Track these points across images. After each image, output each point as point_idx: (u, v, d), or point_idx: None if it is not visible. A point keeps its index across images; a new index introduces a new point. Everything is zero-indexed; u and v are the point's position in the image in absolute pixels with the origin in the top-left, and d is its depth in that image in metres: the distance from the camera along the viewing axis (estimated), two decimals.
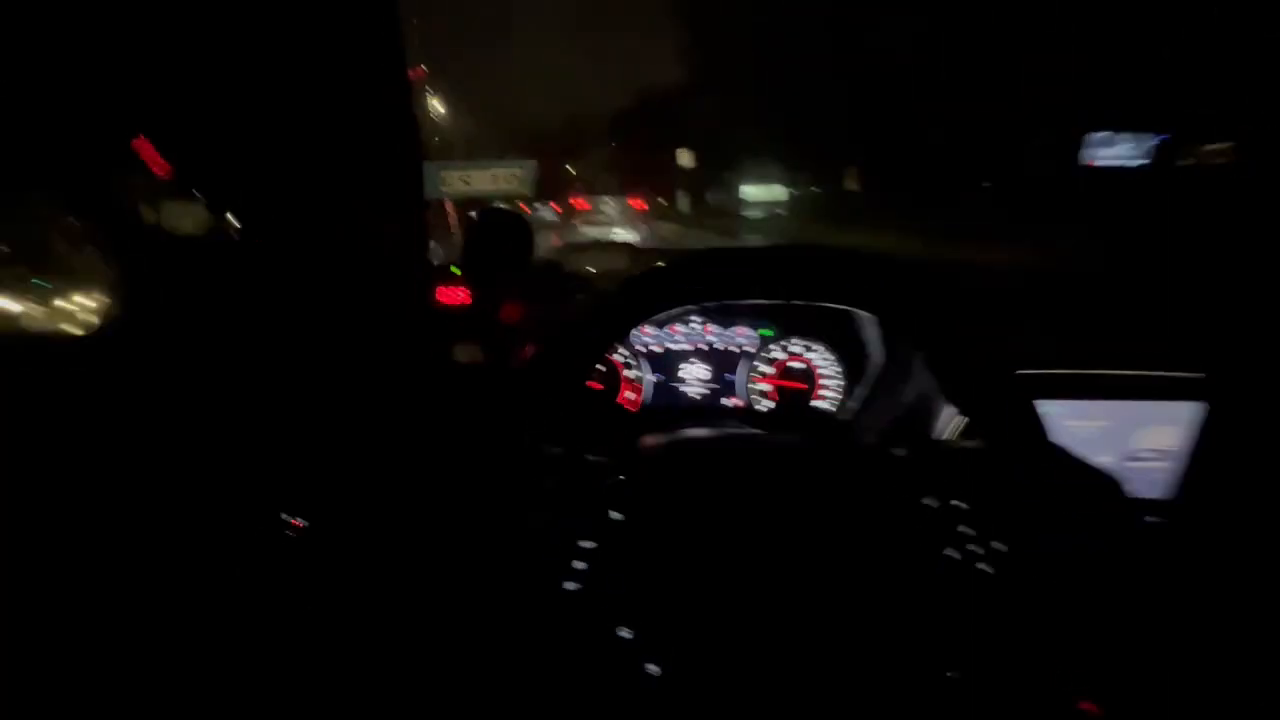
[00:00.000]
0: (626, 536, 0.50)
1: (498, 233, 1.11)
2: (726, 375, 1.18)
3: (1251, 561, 0.85)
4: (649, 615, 0.47)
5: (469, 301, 1.15)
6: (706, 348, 1.18)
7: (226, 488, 0.76)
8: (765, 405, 1.17)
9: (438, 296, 1.18)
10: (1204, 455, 0.93)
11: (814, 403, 1.15)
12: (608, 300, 0.55)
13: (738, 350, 1.17)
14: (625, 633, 0.46)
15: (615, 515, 0.51)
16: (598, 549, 0.50)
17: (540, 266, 1.31)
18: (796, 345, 1.16)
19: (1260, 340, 0.99)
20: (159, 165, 0.94)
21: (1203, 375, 0.93)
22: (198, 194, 0.97)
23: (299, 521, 0.69)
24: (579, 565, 0.49)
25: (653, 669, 0.45)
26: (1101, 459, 0.95)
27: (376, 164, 0.90)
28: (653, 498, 0.52)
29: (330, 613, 0.59)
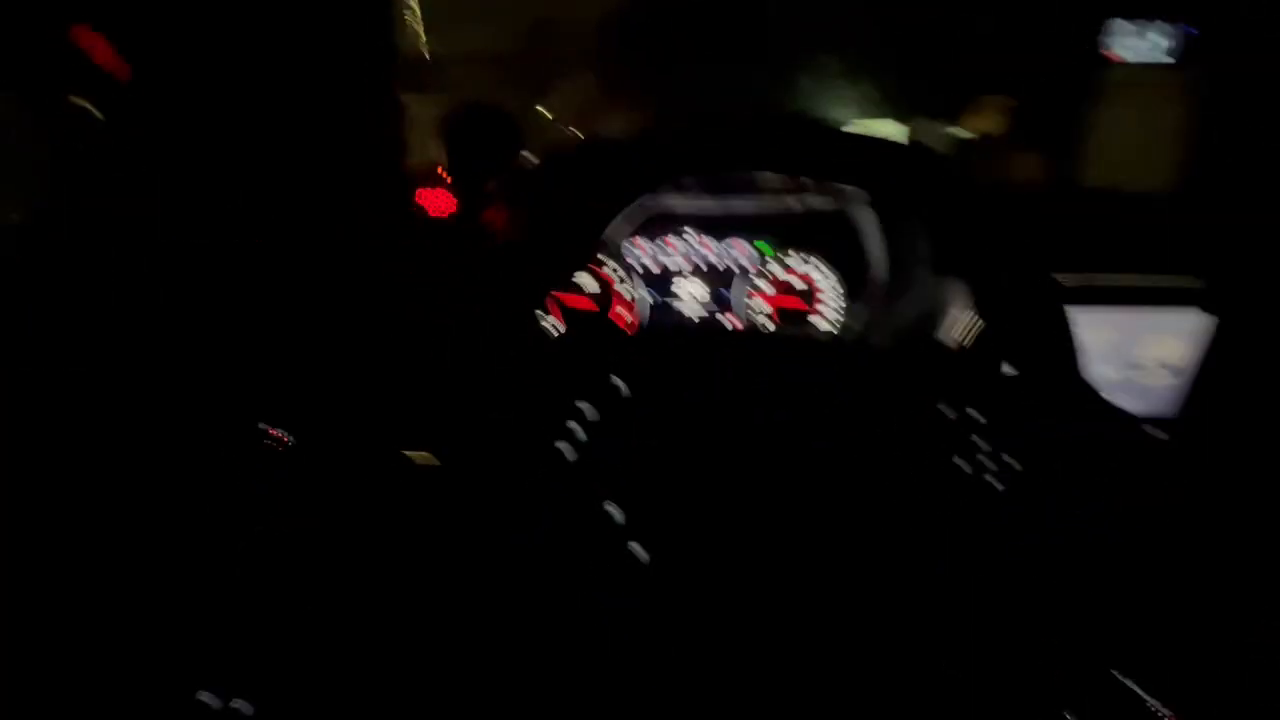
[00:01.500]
0: (627, 410, 0.49)
1: (477, 130, 1.03)
2: (723, 292, 1.15)
3: (1251, 479, 0.84)
4: (641, 496, 0.46)
5: (451, 208, 1.10)
6: (702, 264, 1.14)
7: (212, 389, 0.75)
8: (765, 323, 1.14)
9: (418, 201, 1.12)
10: (1204, 368, 0.91)
11: (815, 319, 1.13)
12: (590, 176, 0.51)
13: (734, 266, 1.13)
14: (614, 510, 0.45)
15: (619, 385, 0.49)
16: (599, 421, 0.48)
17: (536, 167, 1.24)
18: (795, 261, 1.12)
19: (1257, 248, 0.95)
20: (118, 67, 0.87)
21: (1200, 283, 0.90)
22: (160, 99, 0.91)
23: (283, 435, 0.69)
24: (579, 433, 0.47)
25: (639, 552, 0.44)
26: (1106, 371, 0.93)
27: (345, 62, 0.84)
28: (659, 376, 0.51)
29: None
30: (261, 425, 0.65)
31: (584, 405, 0.48)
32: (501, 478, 0.47)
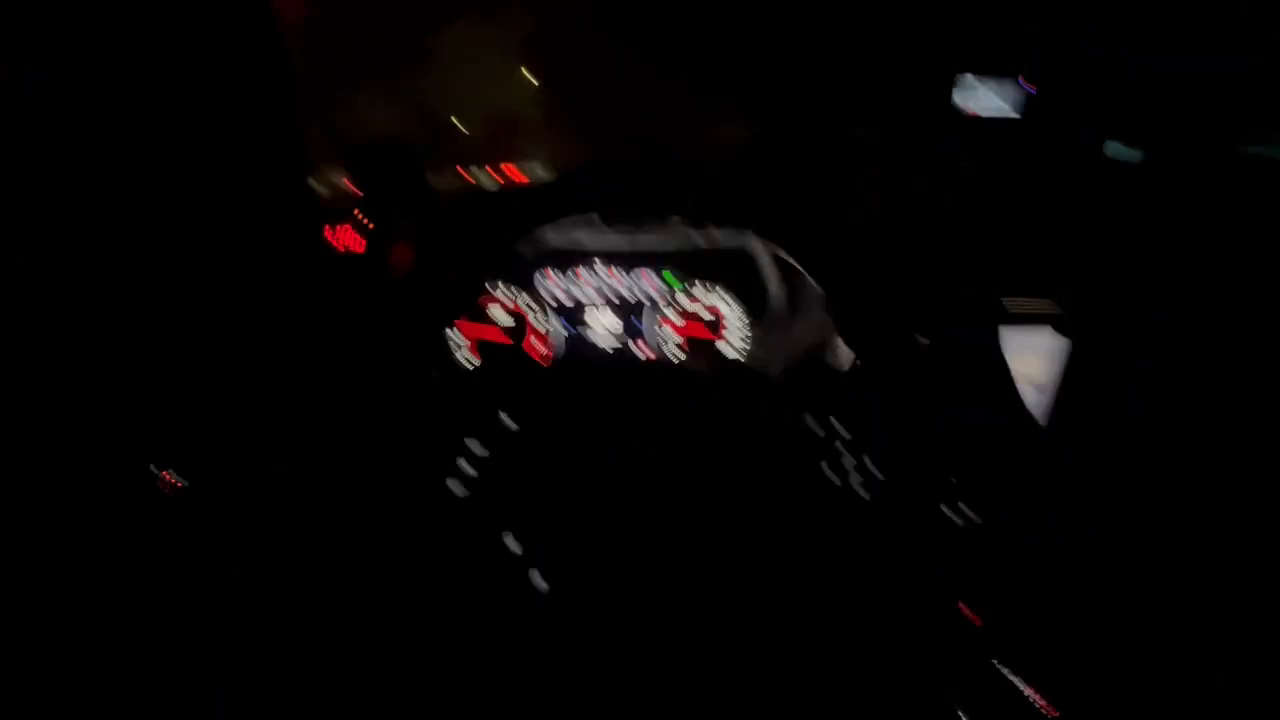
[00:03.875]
0: (518, 445, 0.50)
1: (384, 168, 1.02)
2: (634, 321, 1.18)
3: (1115, 489, 0.95)
4: (537, 527, 0.47)
5: (355, 244, 1.07)
6: (613, 295, 1.17)
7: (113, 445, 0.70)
8: (674, 353, 1.18)
9: (328, 239, 1.09)
10: (1067, 385, 1.03)
11: (719, 346, 1.18)
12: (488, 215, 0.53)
13: (644, 298, 1.17)
14: (512, 542, 0.46)
15: (509, 423, 0.50)
16: (489, 457, 0.49)
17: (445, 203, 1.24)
18: (700, 292, 1.17)
19: (1108, 269, 1.09)
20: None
21: (1051, 306, 1.01)
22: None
23: (174, 478, 0.65)
24: (468, 471, 0.48)
25: (539, 582, 0.45)
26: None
27: (247, 101, 0.82)
28: (549, 408, 0.52)
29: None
30: (153, 469, 0.61)
31: (472, 442, 0.49)
32: (393, 516, 0.47)
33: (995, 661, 0.45)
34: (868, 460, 0.52)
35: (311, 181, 1.06)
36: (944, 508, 0.52)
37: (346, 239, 1.04)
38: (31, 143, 0.77)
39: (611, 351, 1.18)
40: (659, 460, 0.51)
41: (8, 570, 0.62)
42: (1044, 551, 0.52)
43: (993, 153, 1.49)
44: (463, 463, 0.49)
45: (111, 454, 0.68)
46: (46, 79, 0.75)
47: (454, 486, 0.48)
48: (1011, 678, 0.44)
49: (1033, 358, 1.02)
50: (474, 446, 0.50)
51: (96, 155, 0.77)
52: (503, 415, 0.51)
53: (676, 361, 1.17)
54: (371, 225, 1.06)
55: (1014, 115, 1.56)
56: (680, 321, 1.17)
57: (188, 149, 0.78)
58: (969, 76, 1.51)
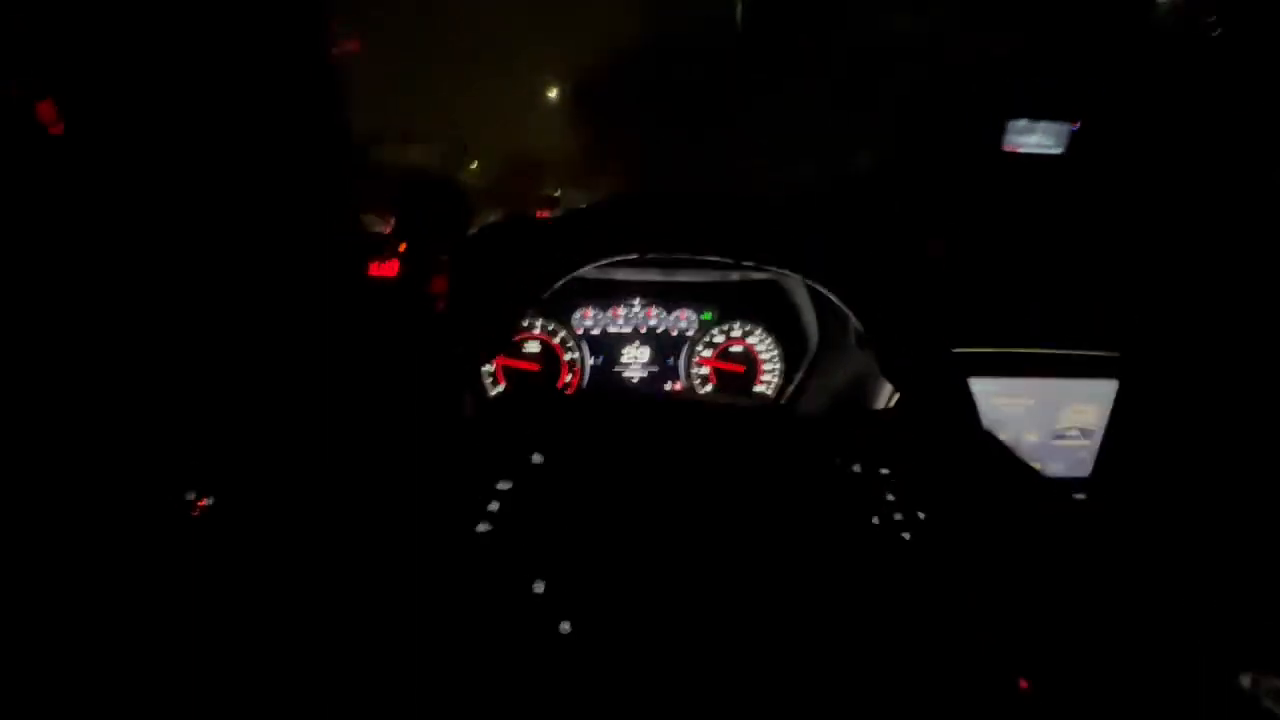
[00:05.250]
0: (547, 482, 0.48)
1: (429, 200, 1.05)
2: (668, 360, 1.17)
3: (1157, 536, 0.91)
4: (564, 569, 0.45)
5: (397, 275, 1.09)
6: (647, 331, 1.16)
7: (136, 467, 0.71)
8: (706, 389, 1.16)
9: (370, 271, 1.12)
10: (1116, 433, 0.99)
11: (754, 385, 1.16)
12: (526, 250, 0.52)
13: (678, 334, 1.16)
14: (538, 586, 0.44)
15: (537, 459, 0.49)
16: (515, 491, 0.47)
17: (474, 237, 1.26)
18: (736, 329, 1.16)
19: (1169, 320, 1.05)
20: (54, 124, 0.85)
21: (1117, 354, 0.98)
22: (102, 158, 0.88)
23: (204, 500, 0.65)
24: (493, 507, 0.46)
25: (565, 627, 0.43)
26: (1028, 437, 0.99)
27: (303, 140, 0.85)
28: (578, 445, 0.50)
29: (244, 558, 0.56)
30: (189, 496, 0.62)
31: (503, 484, 0.48)
32: (422, 563, 0.46)
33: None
34: (909, 500, 0.50)
35: (355, 212, 1.09)
36: (990, 550, 0.49)
37: (387, 270, 1.06)
38: (90, 172, 0.80)
39: (644, 387, 1.17)
40: (692, 500, 0.49)
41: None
42: (1089, 601, 0.49)
43: (1038, 190, 1.47)
44: (490, 500, 0.47)
45: (148, 485, 0.69)
46: (116, 109, 0.79)
47: (481, 523, 0.46)
48: None
49: (1091, 408, 0.98)
50: (502, 483, 0.48)
51: (147, 179, 0.80)
52: (531, 452, 0.49)
53: (711, 398, 1.15)
54: (412, 256, 1.08)
55: (1058, 152, 1.54)
56: (713, 357, 1.16)
57: (236, 178, 0.81)
58: (1019, 119, 1.50)
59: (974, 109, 1.43)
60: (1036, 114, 1.56)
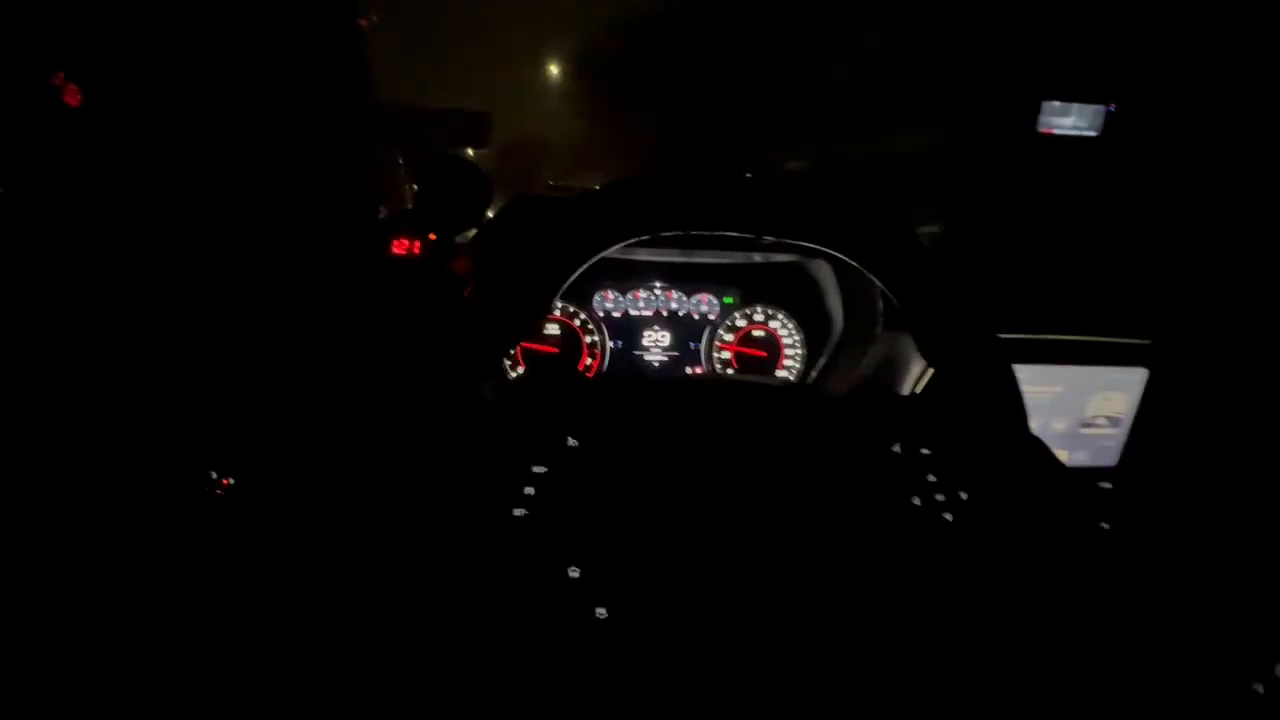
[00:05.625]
0: (581, 466, 0.48)
1: (450, 180, 1.05)
2: (690, 343, 1.16)
3: (1185, 525, 0.89)
4: (599, 553, 0.45)
5: (420, 253, 1.09)
6: (668, 314, 1.15)
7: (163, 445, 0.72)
8: (727, 372, 1.16)
9: (392, 248, 1.12)
10: (1145, 421, 0.96)
11: (776, 370, 1.15)
12: (553, 232, 0.51)
13: (699, 317, 1.15)
14: (573, 570, 0.44)
15: (571, 442, 0.48)
16: (549, 476, 0.47)
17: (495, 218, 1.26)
18: (758, 313, 1.15)
19: (1200, 308, 1.02)
20: (73, 95, 0.86)
21: (1148, 341, 0.95)
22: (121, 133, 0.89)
23: (228, 480, 0.66)
24: (529, 491, 0.46)
25: (600, 611, 0.43)
26: (1056, 425, 0.97)
27: (321, 117, 0.85)
28: (612, 428, 0.50)
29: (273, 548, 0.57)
30: (212, 474, 0.63)
31: (538, 469, 0.48)
32: (455, 547, 0.46)
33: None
34: (951, 482, 0.49)
35: (377, 194, 1.10)
36: (1031, 528, 0.48)
37: (408, 249, 1.06)
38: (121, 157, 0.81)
39: (665, 371, 1.16)
40: (727, 483, 0.49)
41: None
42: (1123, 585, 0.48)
43: (1072, 174, 1.43)
44: (519, 484, 0.47)
45: (174, 465, 0.70)
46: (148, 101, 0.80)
47: (512, 508, 0.46)
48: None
49: (1120, 396, 0.96)
50: (530, 467, 0.48)
51: (168, 162, 0.81)
52: (565, 436, 0.49)
53: (734, 382, 1.15)
54: (434, 237, 1.08)
55: (1094, 135, 1.50)
56: (734, 340, 1.15)
57: (257, 159, 0.82)
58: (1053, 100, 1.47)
59: (1009, 90, 1.40)
60: (1071, 95, 1.52)
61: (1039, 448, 0.52)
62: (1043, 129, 1.52)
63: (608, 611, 0.42)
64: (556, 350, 1.13)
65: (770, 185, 0.54)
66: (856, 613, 0.44)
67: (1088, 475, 0.97)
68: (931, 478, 0.49)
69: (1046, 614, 0.45)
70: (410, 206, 1.09)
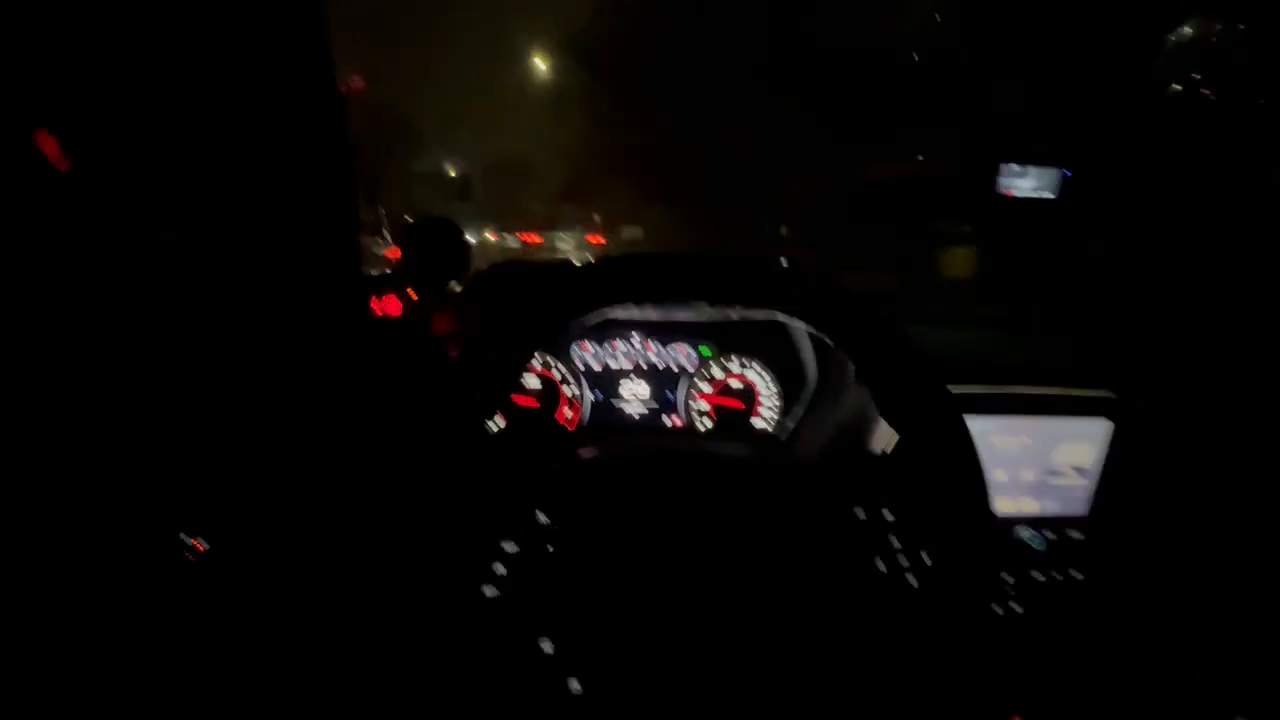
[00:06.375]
0: (552, 542, 0.48)
1: (432, 241, 1.07)
2: (667, 394, 1.17)
3: (1156, 572, 0.90)
4: (572, 627, 0.45)
5: (401, 312, 1.11)
6: (646, 366, 1.17)
7: (130, 504, 0.70)
8: (705, 424, 1.17)
9: (373, 307, 1.14)
10: (1111, 472, 0.99)
11: (753, 421, 1.16)
12: (530, 300, 0.53)
13: (677, 369, 1.17)
14: (547, 645, 0.44)
15: (542, 519, 0.49)
16: (521, 553, 0.47)
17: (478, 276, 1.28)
18: (735, 364, 1.17)
19: (1162, 360, 1.06)
20: (59, 160, 0.87)
21: (1110, 394, 0.98)
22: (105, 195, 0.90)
23: (200, 544, 0.65)
24: (500, 570, 0.46)
25: (574, 686, 0.42)
26: (1025, 475, 0.99)
27: (307, 175, 0.87)
28: (581, 503, 0.50)
29: (242, 620, 0.55)
30: (181, 535, 0.62)
31: (508, 544, 0.48)
32: (426, 618, 0.46)
33: None
34: (913, 545, 0.50)
35: (359, 251, 1.12)
36: (995, 600, 0.49)
37: (390, 308, 1.08)
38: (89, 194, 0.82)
39: (644, 423, 1.17)
40: (698, 555, 0.49)
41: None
42: (1091, 647, 0.49)
43: (1033, 232, 1.50)
44: (495, 562, 0.48)
45: (145, 519, 0.69)
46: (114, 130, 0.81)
47: (488, 587, 0.46)
48: None
49: (1086, 446, 0.98)
50: (508, 545, 0.48)
51: (152, 213, 0.81)
52: (534, 511, 0.50)
53: (709, 442, 1.16)
54: (416, 296, 1.09)
55: (1051, 197, 1.59)
56: (711, 392, 1.16)
57: (239, 213, 0.83)
58: (1011, 164, 1.56)
59: (972, 154, 1.48)
60: (1029, 160, 1.61)
61: (994, 520, 0.53)
62: (1003, 190, 1.60)
63: (581, 685, 0.42)
64: (536, 404, 1.13)
65: (731, 261, 0.57)
66: (825, 681, 0.45)
67: (1058, 524, 0.99)
68: (895, 543, 0.50)
69: (1010, 671, 0.45)
70: (394, 255, 1.11)
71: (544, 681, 0.43)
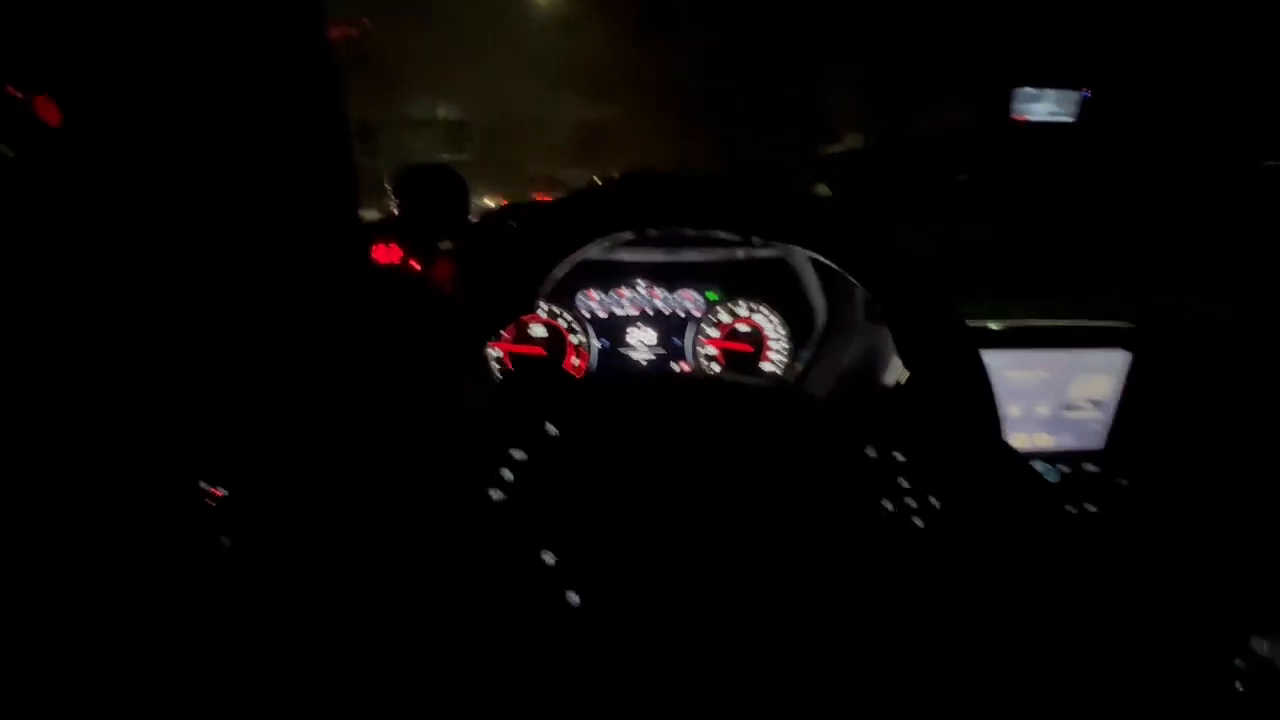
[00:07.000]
0: (558, 454, 0.48)
1: (429, 190, 1.05)
2: (674, 340, 1.16)
3: (1173, 505, 0.90)
4: (575, 541, 0.45)
5: (400, 260, 1.09)
6: (653, 312, 1.15)
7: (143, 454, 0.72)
8: (713, 369, 1.16)
9: (373, 255, 1.12)
10: (1129, 404, 0.98)
11: (761, 364, 1.15)
12: (534, 225, 0.51)
13: (684, 314, 1.15)
14: (548, 556, 0.44)
15: (551, 430, 0.49)
16: (529, 463, 0.47)
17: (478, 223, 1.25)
18: (742, 308, 1.15)
19: (1182, 289, 1.03)
20: (52, 114, 0.84)
21: (1129, 325, 0.96)
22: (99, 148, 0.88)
23: (219, 490, 0.66)
24: (507, 475, 0.46)
25: (573, 598, 0.43)
26: (1040, 409, 0.98)
27: (303, 124, 0.84)
28: (592, 419, 0.50)
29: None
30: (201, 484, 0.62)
31: (516, 451, 0.48)
32: (432, 528, 0.46)
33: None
34: (923, 487, 0.49)
35: (358, 200, 1.09)
36: (1004, 536, 0.49)
37: (390, 256, 1.06)
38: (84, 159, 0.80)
39: (652, 369, 1.16)
40: (704, 479, 0.49)
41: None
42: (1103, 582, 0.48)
43: (1050, 158, 1.45)
44: (498, 475, 0.47)
45: (154, 465, 0.69)
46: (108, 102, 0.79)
47: (491, 495, 0.46)
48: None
49: (1103, 379, 0.97)
50: (508, 458, 0.48)
51: (146, 165, 0.79)
52: (537, 427, 0.49)
53: (718, 378, 1.15)
54: (415, 243, 1.07)
55: (1070, 120, 1.52)
56: (719, 336, 1.15)
57: (235, 163, 0.81)
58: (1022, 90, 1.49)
59: (981, 78, 1.41)
60: (1044, 81, 1.53)
61: (1012, 457, 0.52)
62: (1016, 116, 1.53)
63: (580, 598, 0.43)
64: (543, 352, 1.13)
65: (752, 188, 0.55)
66: (824, 612, 0.45)
67: (1073, 458, 0.98)
68: (904, 483, 0.49)
69: (1020, 616, 0.45)
70: (395, 210, 1.09)
71: (543, 592, 0.43)
